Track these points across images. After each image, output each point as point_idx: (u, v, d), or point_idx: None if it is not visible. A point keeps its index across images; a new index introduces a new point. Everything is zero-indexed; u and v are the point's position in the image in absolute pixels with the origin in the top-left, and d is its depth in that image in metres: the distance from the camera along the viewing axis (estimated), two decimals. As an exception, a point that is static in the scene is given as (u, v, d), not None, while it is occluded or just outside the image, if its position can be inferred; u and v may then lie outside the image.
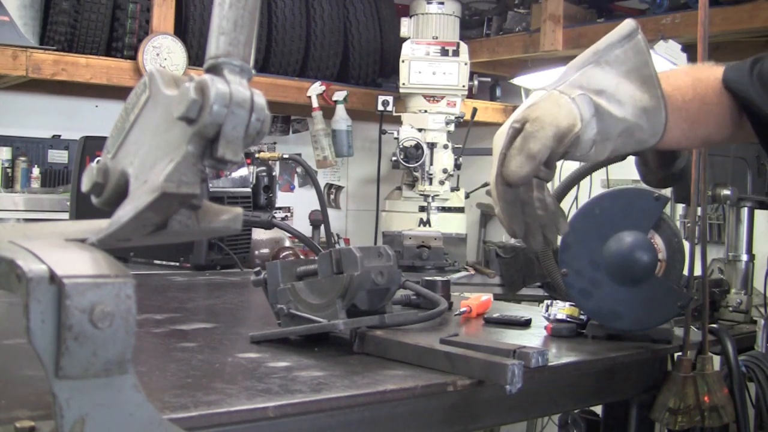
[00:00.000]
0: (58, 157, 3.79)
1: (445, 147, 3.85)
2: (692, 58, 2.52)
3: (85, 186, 0.78)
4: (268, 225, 2.40)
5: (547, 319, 1.41)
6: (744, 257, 2.56)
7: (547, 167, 1.08)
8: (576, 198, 2.80)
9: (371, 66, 4.30)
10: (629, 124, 1.11)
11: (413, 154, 3.72)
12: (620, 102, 1.10)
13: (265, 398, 0.88)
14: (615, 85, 1.11)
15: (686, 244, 1.38)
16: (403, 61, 3.87)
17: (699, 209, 1.45)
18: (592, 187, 3.05)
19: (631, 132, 1.12)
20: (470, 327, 1.45)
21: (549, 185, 1.14)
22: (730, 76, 1.21)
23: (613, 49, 1.12)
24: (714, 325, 1.52)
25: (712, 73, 1.23)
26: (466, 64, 3.87)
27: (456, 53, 3.87)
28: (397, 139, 3.80)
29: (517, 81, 4.40)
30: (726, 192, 2.38)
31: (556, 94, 1.10)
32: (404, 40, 3.92)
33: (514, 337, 1.38)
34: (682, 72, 1.22)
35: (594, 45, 1.14)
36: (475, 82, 4.07)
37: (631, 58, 1.12)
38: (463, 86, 3.88)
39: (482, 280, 3.13)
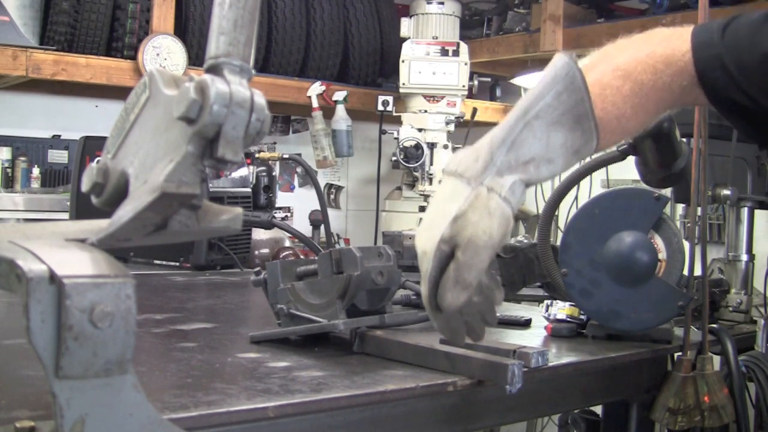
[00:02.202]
0: (58, 157, 3.79)
1: (445, 147, 3.85)
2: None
3: (85, 186, 0.78)
4: (268, 225, 2.40)
5: (547, 319, 1.41)
6: (744, 257, 2.55)
7: None
8: (576, 198, 2.80)
9: (371, 66, 4.29)
10: (558, 172, 1.06)
11: (413, 154, 3.72)
12: (551, 160, 1.03)
13: (265, 398, 0.88)
14: (545, 145, 1.02)
15: (686, 244, 1.38)
16: (403, 61, 3.87)
17: (699, 209, 1.45)
18: (592, 187, 3.05)
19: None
20: (470, 327, 1.45)
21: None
22: (700, 55, 1.07)
23: (544, 96, 1.02)
24: (714, 325, 1.52)
25: (660, 64, 1.07)
26: (466, 64, 3.87)
27: (456, 53, 3.87)
28: (397, 139, 3.80)
29: (517, 81, 4.39)
30: (726, 192, 2.37)
31: (484, 197, 1.00)
32: (404, 40, 3.92)
33: (514, 337, 1.38)
34: (621, 76, 1.06)
35: (525, 96, 1.05)
36: (475, 82, 4.07)
37: (565, 101, 1.02)
38: (463, 86, 3.88)
39: (482, 280, 3.12)
